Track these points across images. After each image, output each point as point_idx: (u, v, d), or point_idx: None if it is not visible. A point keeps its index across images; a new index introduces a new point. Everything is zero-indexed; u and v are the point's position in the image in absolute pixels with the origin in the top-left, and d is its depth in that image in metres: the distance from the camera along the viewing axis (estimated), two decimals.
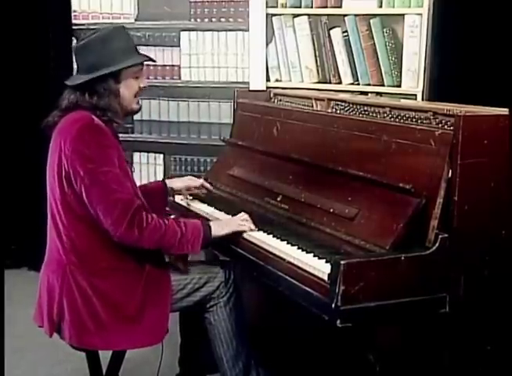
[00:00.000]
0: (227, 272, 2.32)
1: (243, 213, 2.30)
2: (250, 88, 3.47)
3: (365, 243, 1.96)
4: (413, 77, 3.29)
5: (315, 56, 3.48)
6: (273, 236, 2.17)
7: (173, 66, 3.69)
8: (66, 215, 2.12)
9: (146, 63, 2.29)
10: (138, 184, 2.30)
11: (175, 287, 2.23)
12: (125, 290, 2.14)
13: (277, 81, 3.56)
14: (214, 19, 3.61)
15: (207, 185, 2.66)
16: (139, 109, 2.31)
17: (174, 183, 2.63)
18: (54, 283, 2.15)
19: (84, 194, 2.05)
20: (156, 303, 2.17)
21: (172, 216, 2.53)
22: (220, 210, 2.50)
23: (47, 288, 2.18)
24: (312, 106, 2.67)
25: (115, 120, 2.18)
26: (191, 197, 2.67)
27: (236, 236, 2.23)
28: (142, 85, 2.26)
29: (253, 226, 2.24)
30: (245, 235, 2.22)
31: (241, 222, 2.25)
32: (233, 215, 2.33)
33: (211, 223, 2.23)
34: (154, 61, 2.40)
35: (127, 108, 2.24)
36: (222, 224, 2.27)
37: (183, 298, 2.26)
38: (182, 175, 3.62)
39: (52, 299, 2.15)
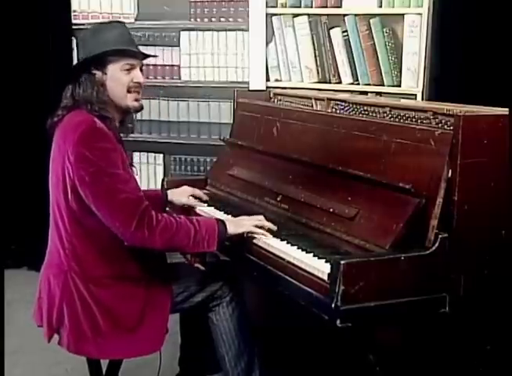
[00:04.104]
0: (230, 273, 2.32)
1: (261, 217, 2.21)
2: (250, 88, 3.47)
3: (365, 243, 1.96)
4: (413, 77, 3.29)
5: (315, 55, 3.48)
6: (273, 236, 2.17)
7: (173, 66, 3.69)
8: (70, 222, 2.10)
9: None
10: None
11: (176, 290, 2.22)
12: (125, 300, 2.12)
13: (277, 80, 3.56)
14: (213, 19, 3.61)
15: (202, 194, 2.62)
16: (139, 107, 2.22)
17: (174, 196, 2.56)
18: (55, 289, 2.14)
19: (90, 199, 2.01)
20: (156, 313, 2.15)
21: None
22: (226, 212, 2.47)
23: (47, 292, 2.17)
24: (312, 106, 2.67)
25: (106, 115, 2.10)
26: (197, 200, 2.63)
27: (243, 239, 2.19)
28: (135, 80, 2.16)
29: (267, 233, 2.16)
30: (244, 235, 2.21)
31: (257, 222, 2.16)
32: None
33: (226, 221, 2.16)
34: (143, 55, 2.23)
35: (120, 104, 2.16)
36: (238, 222, 2.19)
37: (184, 300, 2.25)
38: (182, 175, 3.65)
39: (52, 305, 2.14)
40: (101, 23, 2.24)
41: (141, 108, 2.24)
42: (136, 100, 2.19)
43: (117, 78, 2.14)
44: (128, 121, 2.28)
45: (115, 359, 2.35)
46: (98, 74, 2.13)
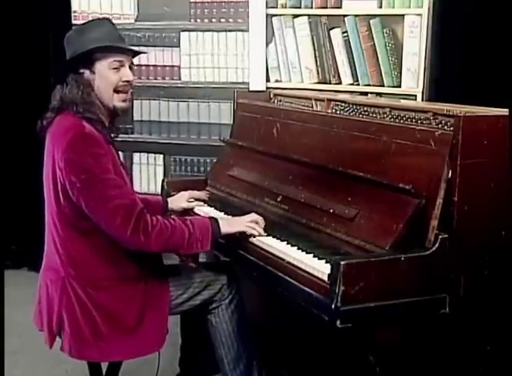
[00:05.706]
0: (229, 275, 2.31)
1: (253, 213, 2.24)
2: (250, 89, 3.47)
3: (365, 243, 1.96)
4: (413, 78, 3.29)
5: (315, 56, 3.48)
6: (273, 237, 2.17)
7: (173, 66, 3.69)
8: (62, 227, 2.09)
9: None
10: (138, 191, 2.26)
11: (175, 292, 2.22)
12: (124, 301, 2.11)
13: (277, 81, 3.56)
14: (214, 20, 3.61)
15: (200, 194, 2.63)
16: (125, 108, 2.17)
17: (174, 204, 2.55)
18: (53, 295, 2.13)
19: (83, 205, 2.01)
20: (155, 312, 2.15)
21: (171, 216, 2.53)
22: (226, 213, 2.47)
23: (46, 298, 2.17)
24: (312, 107, 2.67)
25: (91, 117, 2.06)
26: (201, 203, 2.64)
27: (238, 238, 2.20)
28: (124, 78, 2.11)
29: (262, 231, 2.17)
30: (237, 234, 2.20)
31: (250, 223, 2.18)
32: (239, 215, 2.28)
33: (220, 220, 2.17)
34: (133, 53, 2.18)
35: (108, 105, 2.12)
36: (231, 222, 2.21)
37: (184, 302, 2.25)
38: (182, 176, 3.65)
39: (52, 311, 2.14)
40: (87, 21, 2.18)
41: (127, 108, 2.20)
42: (123, 101, 2.15)
43: (105, 77, 2.10)
44: (119, 121, 2.24)
45: (117, 360, 2.34)
46: (86, 73, 2.10)
